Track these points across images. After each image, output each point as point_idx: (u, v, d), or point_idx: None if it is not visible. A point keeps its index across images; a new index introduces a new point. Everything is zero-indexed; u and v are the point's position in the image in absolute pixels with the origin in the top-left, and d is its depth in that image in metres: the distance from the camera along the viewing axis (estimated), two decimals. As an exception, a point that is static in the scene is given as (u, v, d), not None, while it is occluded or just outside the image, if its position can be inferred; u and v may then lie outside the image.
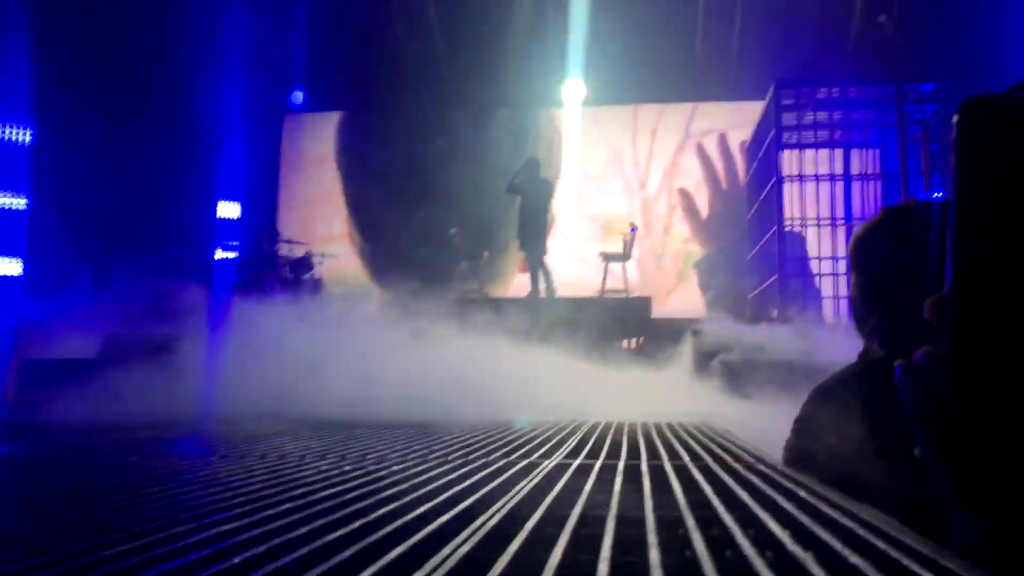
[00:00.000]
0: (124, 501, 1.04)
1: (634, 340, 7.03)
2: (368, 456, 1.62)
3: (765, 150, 9.65)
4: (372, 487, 1.14)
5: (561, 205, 11.91)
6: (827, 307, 9.58)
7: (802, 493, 0.95)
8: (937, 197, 8.19)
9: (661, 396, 4.33)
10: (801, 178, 9.81)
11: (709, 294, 12.00)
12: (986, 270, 0.51)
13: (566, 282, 8.84)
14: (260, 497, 1.05)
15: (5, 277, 9.36)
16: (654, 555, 0.67)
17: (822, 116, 9.84)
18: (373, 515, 0.89)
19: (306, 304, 6.40)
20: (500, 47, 11.68)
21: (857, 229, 1.49)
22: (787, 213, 9.30)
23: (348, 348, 4.52)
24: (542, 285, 8.51)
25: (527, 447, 1.78)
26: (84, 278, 8.49)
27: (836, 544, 0.66)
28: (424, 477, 1.25)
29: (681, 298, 11.98)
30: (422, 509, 0.93)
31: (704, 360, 5.36)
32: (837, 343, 4.26)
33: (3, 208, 9.52)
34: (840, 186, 9.91)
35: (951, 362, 0.52)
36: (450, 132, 12.56)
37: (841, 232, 9.63)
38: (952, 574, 0.57)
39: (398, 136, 12.76)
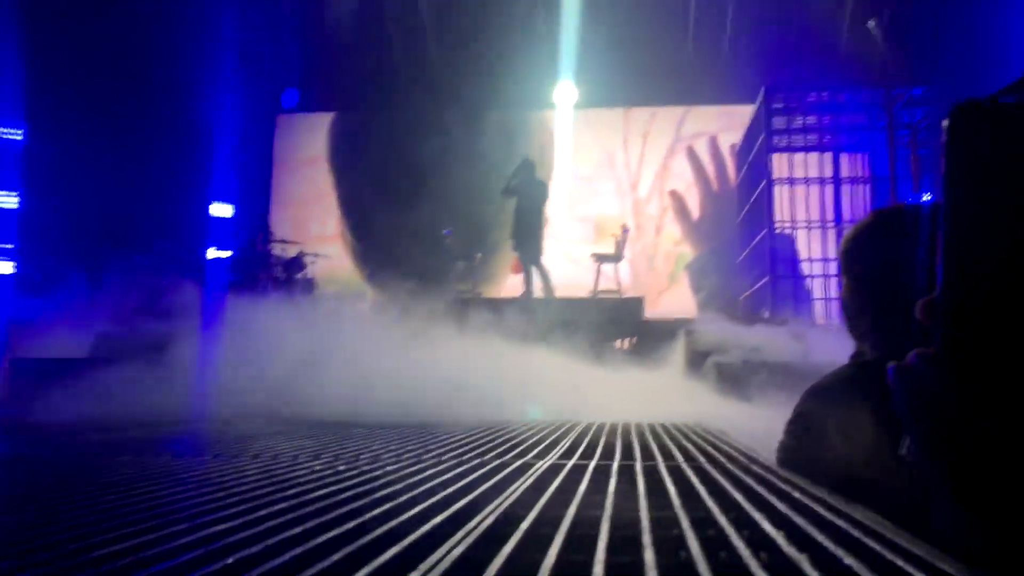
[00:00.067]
0: (116, 501, 1.03)
1: (627, 341, 7.03)
2: (362, 456, 1.61)
3: (755, 153, 9.69)
4: (366, 487, 1.14)
5: (553, 206, 11.92)
6: (818, 309, 9.63)
7: (796, 494, 0.95)
8: (926, 200, 8.24)
9: (654, 397, 4.33)
10: (791, 181, 9.86)
11: (701, 295, 12.03)
12: (977, 272, 0.51)
13: (558, 283, 8.84)
14: (253, 497, 1.05)
15: (-4, 275, 9.32)
16: (649, 556, 0.68)
17: (812, 120, 9.89)
18: (367, 515, 0.89)
19: (299, 304, 6.38)
20: (492, 48, 11.68)
21: (847, 231, 1.50)
22: (777, 215, 9.34)
23: (342, 348, 4.52)
24: (539, 285, 8.50)
25: (521, 448, 1.78)
26: (76, 277, 8.45)
27: (831, 545, 0.67)
28: (418, 478, 1.25)
29: (673, 299, 12.01)
30: (416, 510, 0.93)
31: (697, 360, 5.37)
32: (829, 344, 4.28)
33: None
34: (830, 189, 9.97)
35: (943, 363, 0.53)
36: (443, 133, 12.55)
37: (831, 234, 9.68)
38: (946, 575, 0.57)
39: (391, 136, 12.75)
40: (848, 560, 0.62)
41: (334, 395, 3.47)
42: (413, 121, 12.62)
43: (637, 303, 7.95)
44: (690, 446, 1.74)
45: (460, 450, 1.73)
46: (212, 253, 10.81)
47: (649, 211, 12.61)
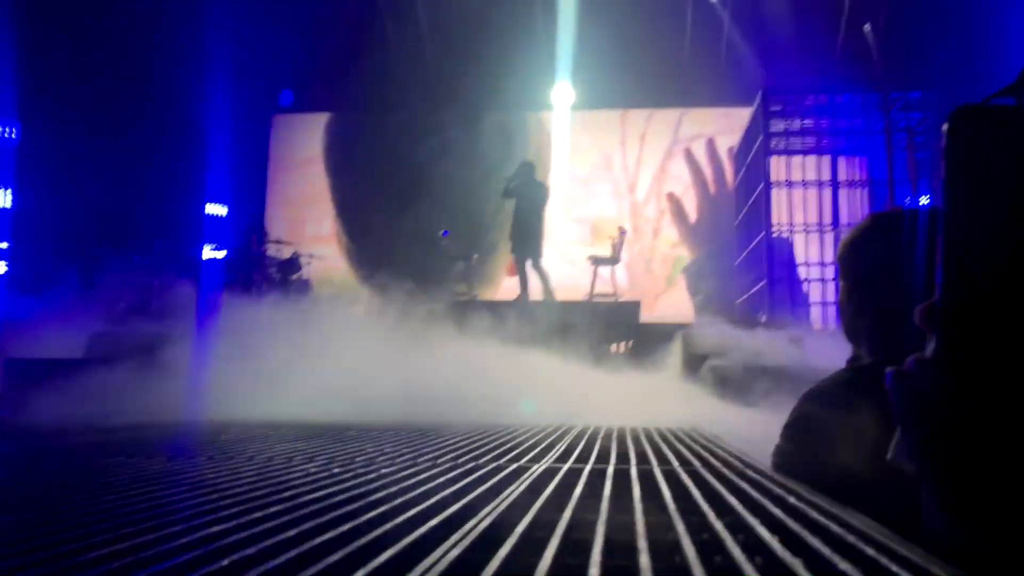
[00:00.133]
0: (111, 502, 1.03)
1: (623, 344, 7.04)
2: (357, 459, 1.61)
3: (753, 156, 9.71)
4: (361, 490, 1.13)
5: (550, 208, 11.91)
6: (814, 313, 9.64)
7: (791, 499, 0.95)
8: (924, 204, 8.27)
9: (651, 400, 4.33)
10: (789, 184, 9.88)
11: (698, 298, 12.05)
12: (977, 276, 0.51)
13: (554, 285, 8.84)
14: (248, 499, 1.04)
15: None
16: (644, 560, 0.67)
17: (809, 123, 9.91)
18: (362, 518, 0.89)
19: (294, 305, 6.38)
20: (490, 49, 11.69)
21: (845, 235, 1.50)
22: (775, 219, 9.36)
23: (337, 350, 4.51)
24: (539, 288, 8.48)
25: (516, 451, 1.78)
26: (69, 276, 8.42)
27: (826, 550, 0.67)
28: (413, 480, 1.24)
29: (670, 302, 12.02)
30: (411, 512, 0.92)
31: (694, 364, 5.37)
32: (826, 348, 4.29)
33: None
34: (828, 192, 9.99)
35: (943, 366, 0.53)
36: (439, 133, 12.55)
37: (828, 238, 9.70)
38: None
39: (387, 137, 12.75)
40: (843, 565, 0.62)
41: (329, 397, 3.46)
42: (410, 122, 12.63)
43: (634, 306, 7.95)
44: (685, 450, 1.73)
45: (455, 453, 1.73)
46: (207, 253, 10.80)
47: (646, 213, 12.63)
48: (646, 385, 5.16)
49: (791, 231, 9.80)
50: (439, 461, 1.56)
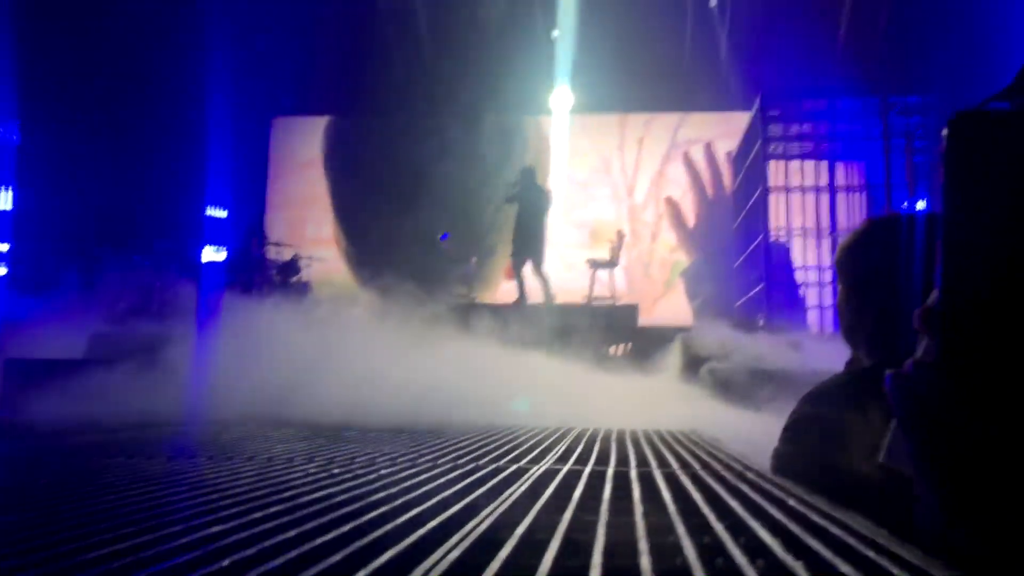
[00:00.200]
0: (111, 502, 1.03)
1: (622, 346, 7.03)
2: (357, 459, 1.61)
3: (751, 160, 9.72)
4: (361, 491, 1.13)
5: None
6: (812, 316, 9.65)
7: (791, 501, 0.95)
8: (921, 209, 8.27)
9: (650, 403, 4.33)
10: (787, 188, 9.89)
11: (696, 302, 12.04)
12: (975, 281, 0.52)
13: (554, 290, 8.82)
14: (248, 499, 1.04)
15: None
16: (645, 562, 0.68)
17: (807, 127, 9.92)
18: (362, 519, 0.89)
19: (294, 307, 6.37)
20: (489, 53, 11.69)
21: (843, 239, 1.51)
22: (773, 223, 9.36)
23: (337, 352, 4.50)
24: (538, 292, 8.47)
25: (516, 452, 1.78)
26: (70, 277, 8.41)
27: (826, 552, 0.67)
28: (414, 481, 1.24)
29: (668, 306, 12.02)
30: (412, 513, 0.92)
31: (692, 366, 5.37)
32: (824, 352, 4.29)
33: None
34: (825, 197, 10.00)
35: (942, 369, 0.53)
36: (439, 136, 12.55)
37: (826, 242, 9.71)
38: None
39: (386, 140, 12.74)
40: (844, 568, 0.62)
41: (329, 399, 3.46)
42: (409, 124, 12.62)
43: (632, 310, 7.95)
44: (685, 453, 1.74)
45: (455, 454, 1.73)
46: (208, 254, 10.80)
47: (645, 217, 12.63)
48: (645, 387, 5.16)
49: (789, 235, 9.81)
50: (439, 462, 1.56)
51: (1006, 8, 8.97)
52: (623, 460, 1.60)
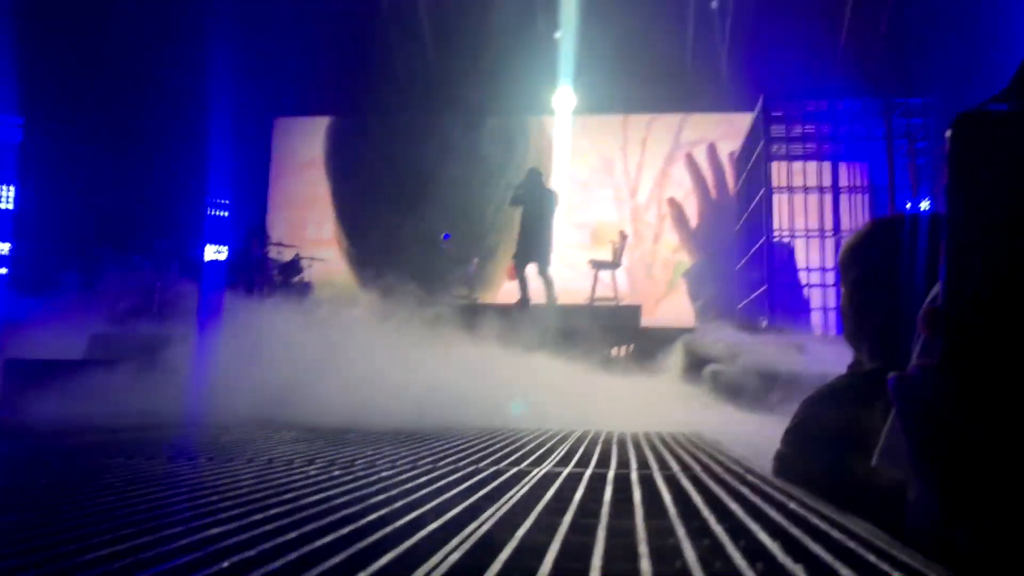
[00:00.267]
0: (110, 503, 1.03)
1: (623, 348, 7.03)
2: (357, 462, 1.61)
3: (754, 161, 9.71)
4: (361, 493, 1.13)
5: (551, 212, 11.91)
6: (815, 318, 9.64)
7: (792, 504, 0.95)
8: (924, 210, 8.26)
9: (651, 405, 4.32)
10: (790, 189, 9.88)
11: (698, 303, 12.03)
12: (979, 282, 0.51)
13: (557, 292, 8.81)
14: (248, 501, 1.04)
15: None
16: (645, 565, 0.67)
17: (810, 128, 9.91)
18: (362, 521, 0.89)
19: (295, 307, 6.37)
20: (491, 53, 11.69)
21: (846, 241, 1.50)
22: (776, 224, 9.36)
23: (338, 352, 4.50)
24: (541, 293, 8.45)
25: (517, 455, 1.78)
26: (70, 277, 8.42)
27: (826, 556, 0.67)
28: (414, 484, 1.24)
29: (671, 307, 12.01)
30: (412, 516, 0.92)
31: (695, 368, 5.36)
32: (827, 354, 4.28)
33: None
34: (828, 198, 9.99)
35: (946, 370, 0.53)
36: (440, 137, 12.55)
37: (829, 243, 9.70)
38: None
39: (388, 140, 12.75)
40: (844, 571, 0.62)
41: (329, 400, 3.46)
42: (411, 125, 12.63)
43: (634, 311, 7.95)
44: (686, 455, 1.73)
45: (455, 457, 1.72)
46: (209, 254, 10.80)
47: (647, 218, 12.62)
48: (647, 389, 5.16)
49: (792, 236, 9.80)
50: (439, 464, 1.55)
51: (1006, 9, 8.96)
52: (624, 462, 1.60)
